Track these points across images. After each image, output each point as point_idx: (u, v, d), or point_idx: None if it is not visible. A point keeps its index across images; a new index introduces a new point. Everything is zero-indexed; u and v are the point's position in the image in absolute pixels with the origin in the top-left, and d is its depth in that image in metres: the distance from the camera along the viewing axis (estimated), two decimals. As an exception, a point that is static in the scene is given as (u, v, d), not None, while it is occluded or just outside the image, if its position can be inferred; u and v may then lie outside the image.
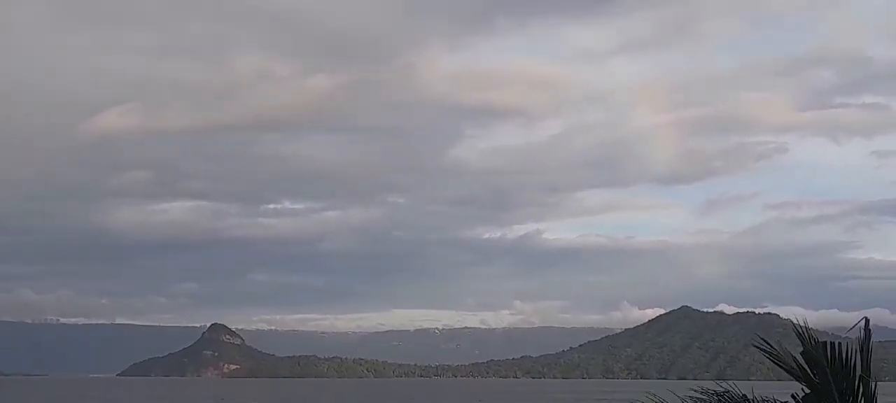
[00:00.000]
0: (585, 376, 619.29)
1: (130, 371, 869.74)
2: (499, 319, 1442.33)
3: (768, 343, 13.33)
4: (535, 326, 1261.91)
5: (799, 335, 13.19)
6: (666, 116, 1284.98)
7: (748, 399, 12.73)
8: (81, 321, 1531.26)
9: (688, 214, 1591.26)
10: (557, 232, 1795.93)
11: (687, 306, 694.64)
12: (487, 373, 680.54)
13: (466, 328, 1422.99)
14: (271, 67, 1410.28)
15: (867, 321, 13.14)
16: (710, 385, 13.25)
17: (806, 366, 12.85)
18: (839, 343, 12.87)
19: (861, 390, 12.76)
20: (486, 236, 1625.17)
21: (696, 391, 13.04)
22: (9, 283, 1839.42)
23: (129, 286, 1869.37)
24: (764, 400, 12.99)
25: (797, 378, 13.12)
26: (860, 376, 12.76)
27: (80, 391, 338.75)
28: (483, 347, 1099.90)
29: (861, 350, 12.96)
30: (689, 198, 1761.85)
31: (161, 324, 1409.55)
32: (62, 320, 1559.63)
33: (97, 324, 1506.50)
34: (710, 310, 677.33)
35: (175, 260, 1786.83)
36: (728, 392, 12.81)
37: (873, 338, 13.20)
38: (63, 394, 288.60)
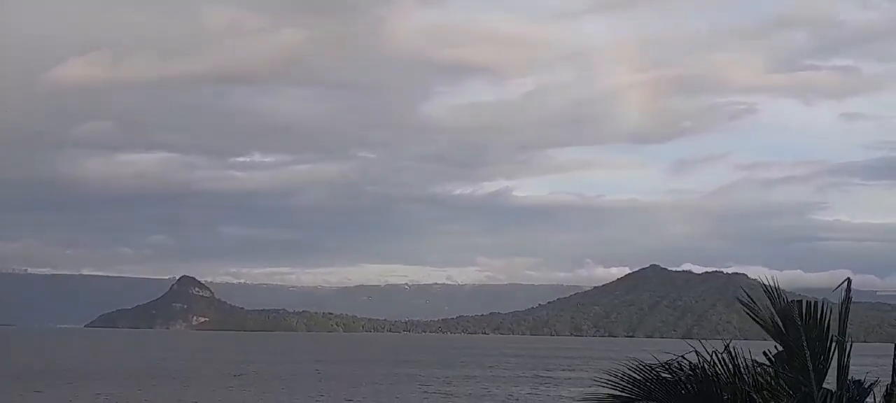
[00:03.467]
0: (554, 333, 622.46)
1: (98, 323, 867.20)
2: (467, 275, 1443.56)
3: (751, 299, 13.30)
4: (504, 283, 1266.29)
5: (769, 294, 13.19)
6: (637, 76, 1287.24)
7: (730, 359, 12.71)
8: (48, 271, 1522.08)
9: (658, 173, 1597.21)
10: (528, 189, 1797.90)
11: (656, 265, 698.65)
12: (456, 329, 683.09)
13: (435, 283, 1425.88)
14: (241, 20, 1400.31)
15: (849, 281, 13.17)
16: (679, 344, 13.23)
17: (780, 323, 12.86)
18: (815, 302, 12.89)
19: (835, 350, 12.79)
20: (457, 192, 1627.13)
21: (671, 355, 13.00)
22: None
23: (97, 237, 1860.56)
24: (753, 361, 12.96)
25: (774, 337, 13.13)
26: (835, 337, 12.78)
27: (48, 342, 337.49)
28: (452, 303, 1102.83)
29: (841, 311, 12.98)
30: (660, 157, 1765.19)
31: (129, 275, 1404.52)
32: (30, 270, 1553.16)
33: (64, 275, 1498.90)
34: (678, 270, 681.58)
35: (143, 211, 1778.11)
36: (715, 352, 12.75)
37: (837, 299, 13.20)
38: (31, 345, 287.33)
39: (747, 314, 13.36)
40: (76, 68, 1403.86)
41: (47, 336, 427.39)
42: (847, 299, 13.16)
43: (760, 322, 13.20)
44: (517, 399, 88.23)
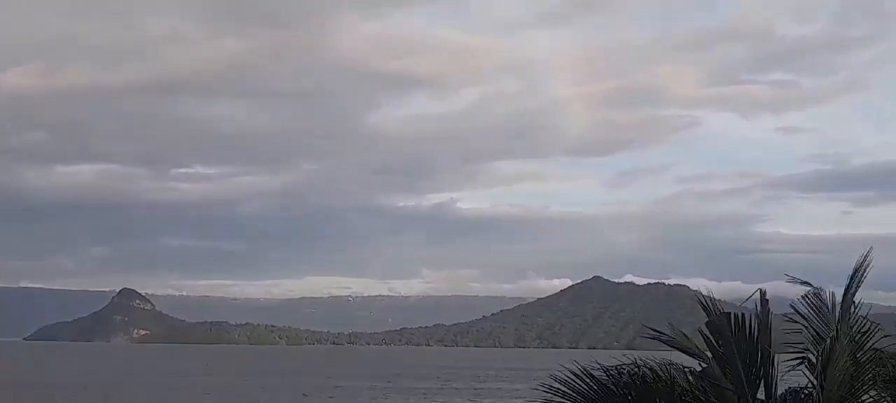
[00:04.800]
0: (498, 345, 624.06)
1: (37, 336, 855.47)
2: (410, 287, 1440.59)
3: (657, 330, 13.88)
4: (448, 294, 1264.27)
5: (704, 306, 13.72)
6: (581, 88, 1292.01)
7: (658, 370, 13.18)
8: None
9: (601, 185, 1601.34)
10: (472, 201, 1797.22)
11: (599, 276, 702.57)
12: (401, 341, 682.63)
13: (379, 295, 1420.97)
14: (180, 29, 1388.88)
15: (763, 292, 13.77)
16: (622, 355, 13.65)
17: (711, 336, 13.43)
18: (743, 314, 13.44)
19: (760, 359, 13.35)
20: (401, 204, 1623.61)
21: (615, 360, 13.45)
22: None
23: (35, 249, 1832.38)
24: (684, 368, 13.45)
25: (692, 356, 13.67)
26: (760, 346, 13.32)
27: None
28: (396, 315, 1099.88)
29: (760, 322, 13.52)
30: (603, 169, 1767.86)
31: (69, 288, 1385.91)
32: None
33: (1, 287, 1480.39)
34: (621, 281, 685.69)
35: (83, 223, 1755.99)
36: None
37: (775, 311, 13.79)
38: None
39: (662, 341, 13.89)
40: (9, 78, 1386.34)
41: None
42: (765, 310, 13.60)
43: (676, 346, 13.71)
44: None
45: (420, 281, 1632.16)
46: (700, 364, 13.52)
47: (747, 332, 13.34)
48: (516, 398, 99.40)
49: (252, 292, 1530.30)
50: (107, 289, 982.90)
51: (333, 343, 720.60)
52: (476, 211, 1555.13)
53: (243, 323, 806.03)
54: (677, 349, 13.70)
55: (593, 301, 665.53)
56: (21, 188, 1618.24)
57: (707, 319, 13.58)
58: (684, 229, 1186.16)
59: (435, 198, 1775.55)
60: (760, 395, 13.33)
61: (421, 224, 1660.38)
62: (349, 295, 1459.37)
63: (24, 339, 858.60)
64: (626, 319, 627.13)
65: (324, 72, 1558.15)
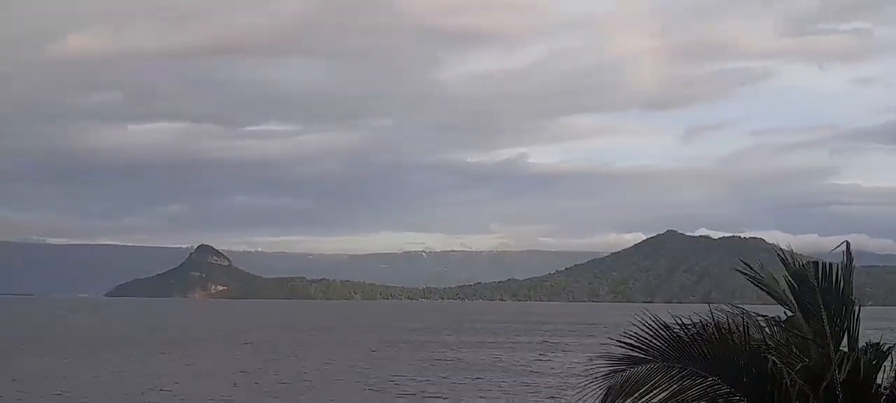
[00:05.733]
0: (571, 299, 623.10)
1: (117, 292, 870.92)
2: (482, 242, 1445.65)
3: (750, 267, 13.36)
4: (520, 249, 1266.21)
5: (782, 259, 13.22)
6: (648, 42, 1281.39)
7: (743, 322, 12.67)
8: (65, 241, 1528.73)
9: (671, 140, 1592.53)
10: (542, 156, 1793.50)
11: (672, 230, 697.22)
12: (474, 296, 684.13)
13: (452, 251, 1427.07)
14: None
15: (848, 244, 13.18)
16: (698, 308, 13.17)
17: (795, 286, 12.86)
18: (829, 264, 12.90)
19: (845, 310, 12.76)
20: (470, 160, 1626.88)
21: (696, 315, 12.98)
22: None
23: (112, 206, 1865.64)
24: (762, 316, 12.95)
25: (780, 302, 13.16)
26: (845, 298, 12.76)
27: (72, 310, 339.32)
28: (469, 270, 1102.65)
29: (845, 274, 12.96)
30: (673, 123, 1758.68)
31: (145, 244, 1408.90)
32: (48, 240, 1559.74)
33: (81, 244, 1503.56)
34: (695, 234, 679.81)
35: (157, 181, 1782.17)
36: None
37: (854, 263, 13.19)
38: (52, 313, 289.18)
39: (750, 281, 13.40)
40: (81, 40, 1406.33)
41: (71, 306, 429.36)
42: (849, 262, 13.12)
43: (764, 288, 13.22)
44: (526, 365, 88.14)
45: (491, 236, 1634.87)
46: (785, 313, 13.05)
47: (833, 283, 12.78)
48: (587, 352, 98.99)
49: (325, 248, 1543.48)
50: (183, 246, 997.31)
51: (408, 297, 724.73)
52: (546, 166, 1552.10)
53: (318, 278, 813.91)
54: (764, 289, 13.19)
55: (667, 255, 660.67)
56: (96, 147, 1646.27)
57: (784, 273, 13.09)
58: (758, 182, 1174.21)
59: (504, 154, 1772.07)
60: (842, 347, 12.77)
61: (491, 179, 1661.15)
62: (422, 251, 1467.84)
63: (104, 295, 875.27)
64: (701, 273, 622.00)
65: (390, 30, 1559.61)
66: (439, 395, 60.87)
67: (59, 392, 60.14)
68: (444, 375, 76.45)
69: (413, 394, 60.67)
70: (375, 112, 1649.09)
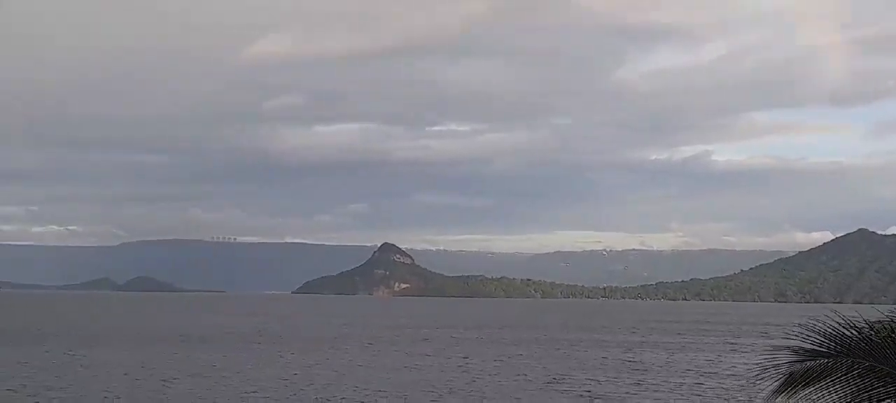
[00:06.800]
0: (757, 299, 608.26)
1: (304, 289, 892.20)
2: (663, 241, 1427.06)
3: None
4: (703, 248, 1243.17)
5: None
6: (836, 35, 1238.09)
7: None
8: (254, 240, 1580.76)
9: (860, 135, 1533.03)
10: (726, 153, 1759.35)
11: (863, 229, 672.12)
12: (656, 295, 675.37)
13: (632, 249, 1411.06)
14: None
15: None
16: (889, 310, 12.54)
17: None
18: None
19: None
20: (653, 158, 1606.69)
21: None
22: (181, 204, 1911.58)
23: (298, 206, 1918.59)
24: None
25: None
26: None
27: (261, 307, 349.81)
28: (650, 269, 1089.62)
29: None
30: (862, 118, 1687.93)
31: (331, 243, 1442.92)
32: (238, 239, 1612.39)
33: (269, 243, 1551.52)
34: (888, 233, 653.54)
35: (341, 180, 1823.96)
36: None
37: None
38: (243, 310, 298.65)
39: None
40: (268, 45, 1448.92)
41: (260, 302, 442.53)
42: None
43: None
44: (696, 368, 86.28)
45: (673, 234, 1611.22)
46: None
47: None
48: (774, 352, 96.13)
49: (505, 246, 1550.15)
50: (368, 244, 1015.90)
51: (588, 296, 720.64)
52: (730, 163, 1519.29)
53: (499, 276, 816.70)
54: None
55: (857, 254, 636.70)
56: (283, 149, 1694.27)
57: None
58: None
59: (687, 151, 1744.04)
60: None
61: (673, 177, 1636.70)
62: (602, 249, 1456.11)
63: (291, 293, 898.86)
64: (894, 273, 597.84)
65: (571, 29, 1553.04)
66: (604, 395, 60.23)
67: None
68: (615, 375, 75.65)
69: (580, 395, 60.18)
70: (556, 110, 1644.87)
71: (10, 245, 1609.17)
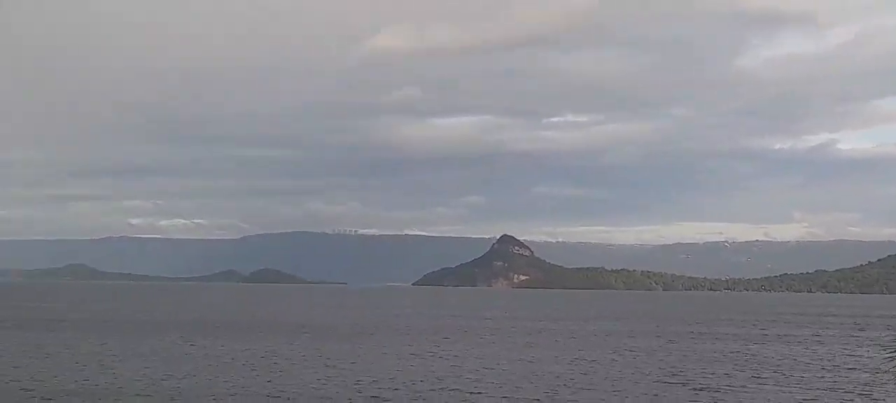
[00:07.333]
0: (885, 291, 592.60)
1: (424, 281, 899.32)
2: (787, 232, 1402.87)
3: None
4: (828, 239, 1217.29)
5: None
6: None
7: None
8: (375, 232, 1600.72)
9: None
10: (853, 141, 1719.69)
11: None
12: (780, 287, 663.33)
13: (755, 241, 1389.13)
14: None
15: None
16: None
17: None
18: None
19: None
20: (776, 147, 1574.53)
21: None
22: (302, 197, 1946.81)
23: (416, 199, 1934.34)
24: None
25: None
26: None
27: (383, 298, 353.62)
28: (774, 260, 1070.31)
29: None
30: None
31: (449, 235, 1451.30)
32: (359, 231, 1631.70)
33: (388, 235, 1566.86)
34: None
35: (459, 173, 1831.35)
36: None
37: None
38: (369, 301, 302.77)
39: None
40: (385, 39, 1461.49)
41: (382, 294, 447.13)
42: None
43: None
44: (819, 361, 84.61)
45: (797, 225, 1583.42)
46: None
47: None
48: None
49: (625, 238, 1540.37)
50: (486, 236, 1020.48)
51: (710, 289, 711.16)
52: (858, 151, 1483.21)
53: (619, 268, 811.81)
54: None
55: None
56: (400, 142, 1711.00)
57: None
58: None
59: (812, 140, 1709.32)
60: None
61: (797, 166, 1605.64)
62: (724, 241, 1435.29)
63: (412, 284, 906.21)
64: None
65: (689, 17, 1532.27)
66: (721, 388, 59.74)
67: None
68: (733, 368, 74.84)
69: (697, 388, 59.78)
70: (674, 100, 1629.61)
71: (138, 238, 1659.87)
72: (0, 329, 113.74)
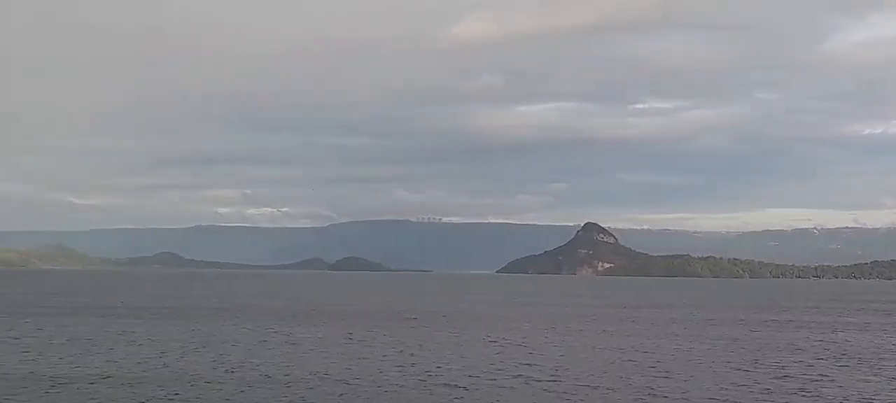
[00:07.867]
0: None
1: (508, 268, 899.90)
2: (878, 218, 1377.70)
3: None
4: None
5: None
6: None
7: None
8: (458, 220, 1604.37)
9: None
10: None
11: None
12: (870, 275, 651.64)
13: (845, 227, 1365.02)
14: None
15: None
16: None
17: None
18: None
19: None
20: (867, 131, 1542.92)
21: None
22: (385, 185, 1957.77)
23: (499, 186, 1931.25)
24: None
25: None
26: None
27: (468, 285, 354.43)
28: (864, 247, 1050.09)
29: None
30: None
31: (533, 223, 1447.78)
32: (443, 219, 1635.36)
33: (472, 223, 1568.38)
34: None
35: (542, 160, 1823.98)
36: None
37: None
38: (456, 288, 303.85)
39: None
40: (467, 26, 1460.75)
41: (467, 281, 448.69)
42: None
43: None
44: (880, 349, 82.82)
45: (888, 211, 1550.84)
46: None
47: None
48: None
49: (710, 225, 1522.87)
50: (570, 224, 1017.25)
51: (798, 276, 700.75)
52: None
53: (705, 255, 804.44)
54: None
55: None
56: (482, 129, 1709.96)
57: None
58: None
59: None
60: None
61: (888, 151, 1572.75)
62: (812, 228, 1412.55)
63: (496, 271, 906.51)
64: None
65: (775, 0, 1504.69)
66: (799, 376, 58.80)
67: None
68: (816, 355, 73.64)
69: (776, 376, 58.94)
70: (760, 85, 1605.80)
71: (227, 227, 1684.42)
72: (94, 316, 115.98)
